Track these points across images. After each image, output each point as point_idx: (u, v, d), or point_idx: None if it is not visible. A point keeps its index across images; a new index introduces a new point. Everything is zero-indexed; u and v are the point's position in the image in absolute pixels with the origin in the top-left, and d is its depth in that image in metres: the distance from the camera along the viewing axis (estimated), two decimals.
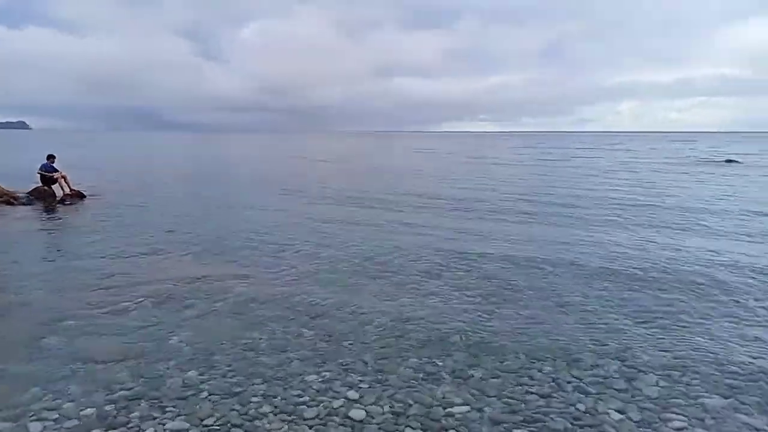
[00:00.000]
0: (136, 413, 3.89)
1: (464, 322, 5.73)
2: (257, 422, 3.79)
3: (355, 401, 4.08)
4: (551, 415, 3.87)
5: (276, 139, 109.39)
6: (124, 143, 76.87)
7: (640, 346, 5.08)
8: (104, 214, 12.96)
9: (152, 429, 3.70)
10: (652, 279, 7.26)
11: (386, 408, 3.97)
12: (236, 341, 5.18)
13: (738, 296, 6.57)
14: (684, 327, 5.57)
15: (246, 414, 3.89)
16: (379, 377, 4.47)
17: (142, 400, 4.06)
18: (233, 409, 3.95)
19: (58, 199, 14.94)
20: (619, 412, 3.92)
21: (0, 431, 3.65)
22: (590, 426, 3.74)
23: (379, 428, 3.72)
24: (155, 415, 3.87)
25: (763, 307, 6.18)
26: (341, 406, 3.99)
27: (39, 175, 15.35)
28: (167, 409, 3.96)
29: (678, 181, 21.38)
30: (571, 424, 3.76)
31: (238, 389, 4.25)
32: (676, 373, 4.55)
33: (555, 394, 4.18)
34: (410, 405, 4.01)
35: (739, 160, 34.40)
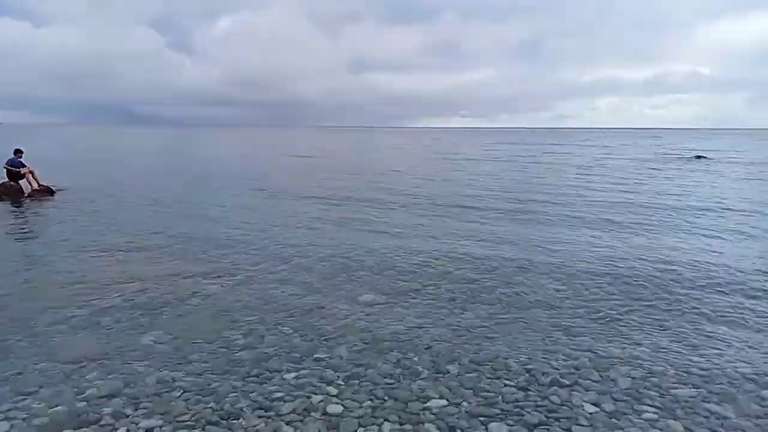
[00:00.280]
0: (109, 410, 3.81)
1: (441, 318, 5.75)
2: (233, 419, 3.75)
3: (333, 396, 4.06)
4: (527, 409, 3.91)
5: (249, 134, 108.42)
6: (93, 137, 75.22)
7: (613, 340, 5.17)
8: (75, 210, 12.66)
9: (125, 427, 3.63)
10: (622, 275, 7.35)
11: (364, 403, 3.97)
12: (212, 339, 5.11)
13: (705, 293, 6.70)
14: (654, 321, 5.67)
15: (222, 410, 3.85)
16: (357, 372, 4.47)
17: (115, 398, 3.99)
18: (208, 407, 3.90)
19: (25, 195, 14.55)
20: (594, 404, 3.98)
21: None
22: (566, 418, 3.78)
23: (358, 423, 3.71)
24: (128, 412, 3.81)
25: (729, 303, 6.32)
26: (319, 402, 3.97)
27: (5, 171, 14.90)
28: (141, 406, 3.89)
29: (647, 178, 21.61)
30: (546, 417, 3.81)
31: (214, 386, 4.20)
32: (647, 364, 4.64)
33: (531, 387, 4.23)
34: (387, 400, 4.01)
35: (708, 156, 35.21)
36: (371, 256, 8.27)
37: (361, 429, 3.64)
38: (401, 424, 3.69)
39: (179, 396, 4.05)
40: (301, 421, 3.73)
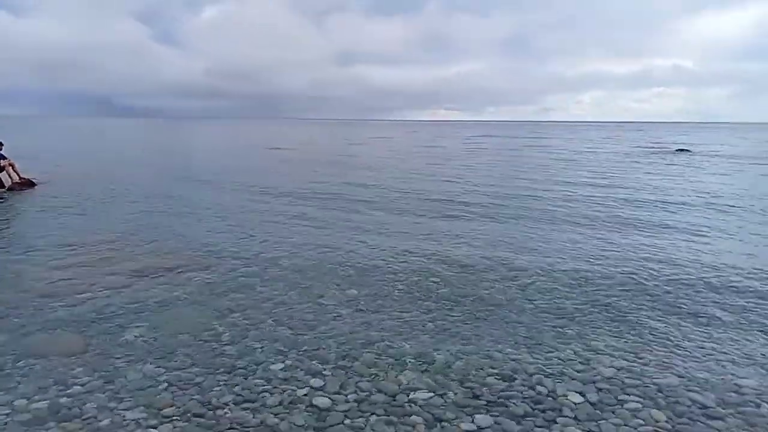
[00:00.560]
0: (92, 404, 3.77)
1: (427, 312, 5.77)
2: (219, 411, 3.72)
3: (319, 389, 4.06)
4: (513, 400, 3.94)
5: (233, 127, 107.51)
6: (75, 130, 74.10)
7: (597, 331, 5.23)
8: (56, 203, 12.47)
9: (109, 420, 3.59)
10: (604, 272, 7.40)
11: (350, 396, 3.97)
12: (197, 332, 5.08)
13: (684, 289, 6.77)
14: (637, 314, 5.73)
15: (207, 403, 3.82)
16: (343, 364, 4.46)
17: (98, 393, 3.94)
18: (193, 399, 3.87)
19: (6, 188, 14.28)
20: (579, 394, 4.02)
21: None
22: (551, 409, 3.82)
23: (344, 415, 3.71)
24: (112, 406, 3.76)
25: (709, 299, 6.42)
26: (305, 395, 3.97)
27: None
28: (124, 400, 3.85)
29: (628, 172, 21.60)
30: (532, 408, 3.84)
31: (199, 379, 4.17)
32: (630, 355, 4.70)
33: (516, 378, 4.26)
34: (374, 392, 4.02)
35: (689, 149, 35.67)
36: (355, 253, 8.20)
37: (348, 421, 3.64)
38: (388, 416, 3.70)
39: (164, 390, 4.02)
40: (288, 413, 3.72)
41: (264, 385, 4.09)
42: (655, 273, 7.13)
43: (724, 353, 4.75)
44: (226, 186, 15.87)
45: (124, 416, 3.64)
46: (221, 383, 4.11)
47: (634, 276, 7.01)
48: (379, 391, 4.04)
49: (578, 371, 4.39)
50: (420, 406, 3.83)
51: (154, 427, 3.53)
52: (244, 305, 5.81)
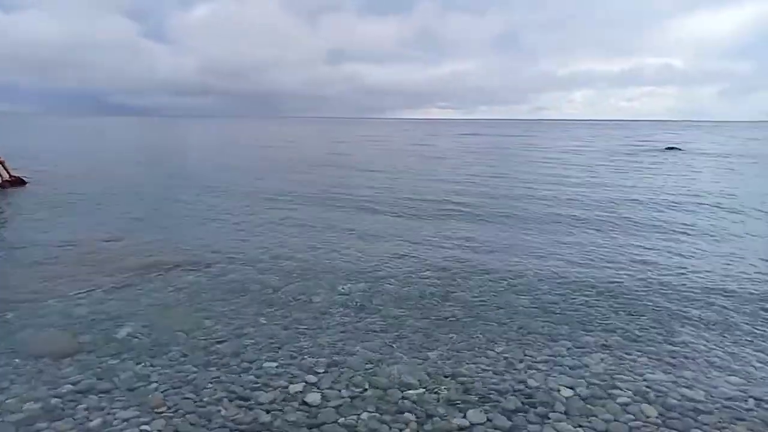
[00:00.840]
0: (84, 405, 3.76)
1: (420, 308, 5.79)
2: (211, 408, 3.73)
3: (312, 385, 4.07)
4: (505, 394, 3.97)
5: (225, 125, 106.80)
6: (66, 128, 73.45)
7: (590, 327, 5.27)
8: (48, 200, 12.39)
9: (101, 419, 3.59)
10: (593, 273, 7.47)
11: (343, 392, 3.98)
12: (190, 330, 5.07)
13: (674, 290, 6.86)
14: (627, 311, 5.79)
15: (200, 401, 3.83)
16: (336, 361, 4.48)
17: (91, 393, 3.92)
18: (186, 397, 3.87)
19: None
20: (569, 388, 4.07)
21: None
22: (542, 404, 3.86)
23: (336, 412, 3.73)
24: (104, 405, 3.76)
25: (699, 300, 6.49)
26: (298, 391, 3.98)
27: None
28: (117, 399, 3.84)
29: (618, 170, 21.52)
30: (523, 403, 3.87)
31: (192, 377, 4.17)
32: (622, 350, 4.75)
33: (508, 374, 4.30)
34: (367, 388, 4.03)
35: (680, 147, 35.92)
36: (347, 253, 8.15)
37: (341, 418, 3.66)
38: (380, 413, 3.72)
39: (156, 388, 4.01)
40: (281, 410, 3.73)
41: (257, 383, 4.09)
42: (643, 273, 7.17)
43: (713, 350, 4.80)
44: (218, 186, 15.76)
45: (116, 415, 3.64)
46: (214, 381, 4.11)
47: (622, 275, 7.06)
48: (372, 387, 4.06)
49: (570, 367, 4.43)
50: (412, 402, 3.85)
51: (147, 425, 3.53)
52: (236, 304, 5.80)
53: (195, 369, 4.31)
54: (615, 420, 3.66)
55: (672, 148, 34.86)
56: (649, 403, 3.86)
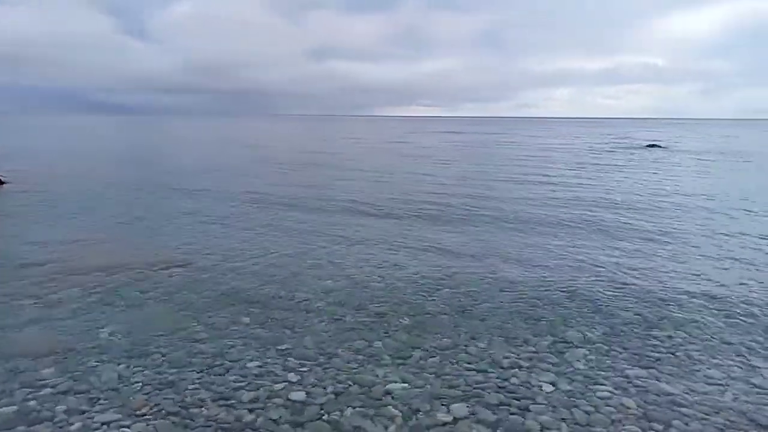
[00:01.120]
0: (63, 407, 3.71)
1: (405, 304, 5.80)
2: (194, 409, 3.70)
3: (296, 383, 4.06)
4: (488, 390, 4.00)
5: (209, 124, 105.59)
6: (41, 127, 72.13)
7: (571, 323, 5.33)
8: (26, 201, 12.20)
9: (80, 423, 3.54)
10: (574, 270, 7.55)
11: (328, 389, 3.98)
12: (171, 330, 5.02)
13: (654, 284, 6.96)
14: (607, 306, 5.86)
15: (182, 402, 3.79)
16: (320, 360, 4.47)
17: (70, 395, 3.87)
18: (168, 398, 3.84)
19: None
20: (551, 384, 4.11)
21: None
22: (524, 398, 3.89)
23: (321, 408, 3.72)
24: (84, 408, 3.71)
25: (678, 300, 6.59)
26: (282, 389, 3.96)
27: None
28: (97, 402, 3.80)
29: (599, 169, 21.54)
30: (506, 397, 3.90)
31: (174, 378, 4.13)
32: (603, 347, 4.81)
33: (491, 369, 4.33)
34: (351, 386, 4.03)
35: (661, 144, 36.39)
36: (331, 252, 8.14)
37: (325, 415, 3.65)
38: (364, 409, 3.72)
39: (138, 390, 3.97)
40: (263, 408, 3.72)
41: (240, 382, 4.07)
42: (623, 272, 7.24)
43: (691, 345, 4.88)
44: (198, 187, 15.58)
45: (95, 419, 3.59)
46: (196, 382, 4.08)
47: (603, 274, 7.14)
48: (356, 384, 4.06)
49: (552, 363, 4.48)
50: (397, 399, 3.86)
51: (128, 428, 3.49)
52: (219, 304, 5.76)
53: (177, 370, 4.27)
54: (596, 412, 3.71)
55: (653, 146, 35.28)
56: (629, 397, 3.92)
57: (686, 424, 3.59)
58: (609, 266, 7.33)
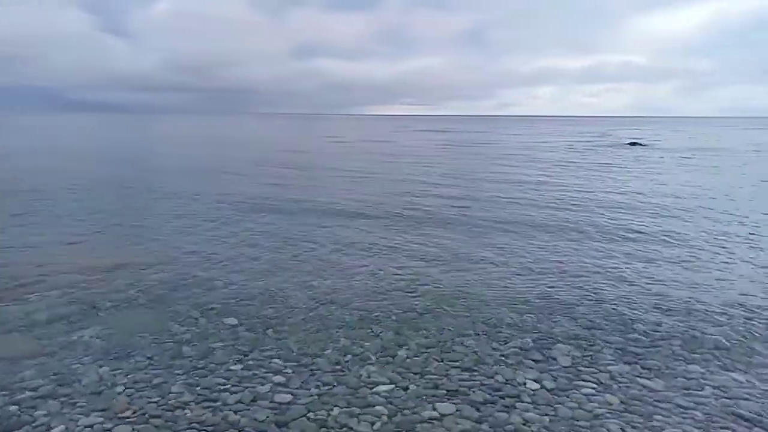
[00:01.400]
0: (43, 411, 3.64)
1: (390, 302, 5.81)
2: (178, 411, 3.66)
3: (281, 385, 4.04)
4: (473, 388, 4.02)
5: (189, 122, 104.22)
6: (19, 126, 70.71)
7: (555, 319, 5.39)
8: (4, 201, 11.92)
9: (63, 426, 3.48)
10: (555, 267, 7.63)
11: (313, 390, 3.97)
12: (154, 332, 4.97)
13: (635, 280, 7.07)
14: (589, 301, 5.94)
15: (165, 404, 3.75)
16: (305, 361, 4.45)
17: (51, 399, 3.81)
18: (152, 401, 3.80)
19: None
20: (536, 381, 4.15)
21: None
22: (509, 396, 3.92)
23: (306, 409, 3.71)
24: (65, 411, 3.65)
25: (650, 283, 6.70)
26: (267, 392, 3.94)
27: None
28: (79, 405, 3.74)
29: (581, 167, 21.67)
30: (491, 395, 3.93)
31: (157, 381, 4.08)
32: (585, 342, 4.87)
33: (477, 367, 4.36)
34: (336, 386, 4.03)
35: (642, 142, 36.92)
36: (316, 250, 8.15)
37: (311, 414, 3.65)
38: (350, 408, 3.72)
39: (121, 392, 3.92)
40: (249, 409, 3.70)
41: (225, 384, 4.04)
42: (605, 269, 7.36)
43: (673, 339, 4.97)
44: (179, 186, 15.45)
45: (78, 422, 3.54)
46: (180, 384, 4.04)
47: (586, 272, 7.23)
48: (341, 384, 4.05)
49: (536, 360, 4.52)
50: (383, 397, 3.87)
51: (111, 431, 3.45)
52: (203, 304, 5.71)
53: (160, 372, 4.23)
54: (579, 408, 3.76)
55: (634, 144, 35.79)
56: (612, 393, 3.97)
57: (667, 418, 3.65)
58: (591, 265, 7.41)
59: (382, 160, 25.19)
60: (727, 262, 7.51)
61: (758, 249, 8.20)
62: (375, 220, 10.47)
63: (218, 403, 3.77)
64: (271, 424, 3.55)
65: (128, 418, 3.59)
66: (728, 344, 4.84)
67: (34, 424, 3.50)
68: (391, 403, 3.79)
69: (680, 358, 4.60)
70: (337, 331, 5.08)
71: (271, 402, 3.80)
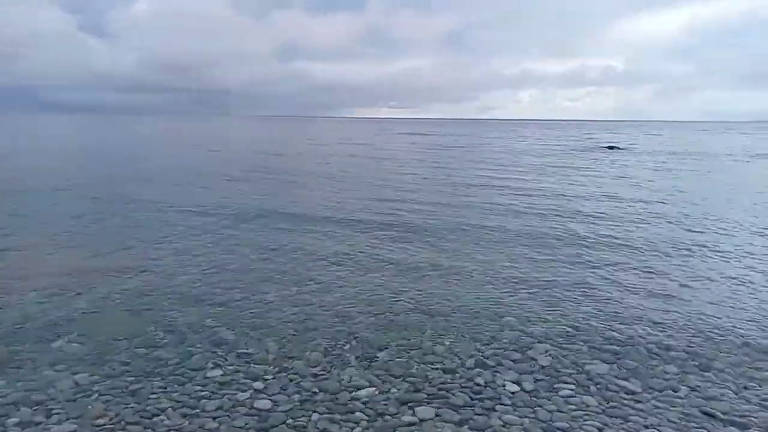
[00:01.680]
0: (15, 420, 3.56)
1: (370, 305, 5.80)
2: (156, 419, 3.61)
3: (260, 391, 4.01)
4: (453, 391, 4.04)
5: (169, 124, 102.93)
6: None
7: (534, 320, 5.43)
8: None
9: None
10: (533, 267, 7.71)
11: (293, 396, 3.94)
12: (132, 337, 4.89)
13: (613, 275, 7.17)
14: (569, 300, 6.01)
15: (143, 411, 3.70)
16: (285, 365, 4.43)
17: (23, 406, 3.73)
18: (129, 407, 3.74)
19: None
20: (515, 383, 4.18)
21: None
22: (489, 399, 3.94)
23: (286, 416, 3.68)
24: (39, 420, 3.58)
25: (635, 284, 6.80)
26: (247, 398, 3.90)
27: None
28: (54, 412, 3.67)
29: (559, 172, 21.80)
30: (471, 398, 3.95)
31: (134, 387, 4.02)
32: (565, 343, 4.92)
33: (457, 370, 4.37)
34: (317, 392, 4.01)
35: (620, 146, 37.46)
36: (298, 252, 8.12)
37: (290, 421, 3.62)
38: (331, 414, 3.71)
39: (96, 399, 3.85)
40: (228, 416, 3.66)
41: (203, 391, 3.99)
42: (583, 271, 7.46)
43: (650, 336, 5.05)
44: (154, 190, 15.29)
45: (52, 430, 3.47)
46: (158, 390, 3.98)
47: (563, 275, 7.32)
48: (322, 390, 4.03)
49: (515, 360, 4.56)
50: (363, 403, 3.86)
51: None
52: (181, 308, 5.64)
53: (137, 378, 4.16)
54: (558, 411, 3.79)
55: (612, 147, 36.28)
56: (591, 395, 4.01)
57: (644, 419, 3.70)
58: (568, 268, 7.48)
59: (361, 164, 25.08)
60: (696, 271, 7.63)
61: (725, 260, 8.30)
62: (351, 226, 10.36)
63: (197, 410, 3.73)
64: (250, 431, 3.52)
65: (105, 425, 3.53)
66: (703, 342, 4.94)
67: None
68: (371, 408, 3.78)
69: (657, 356, 4.68)
70: (317, 335, 5.05)
71: (250, 409, 3.76)
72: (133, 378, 4.16)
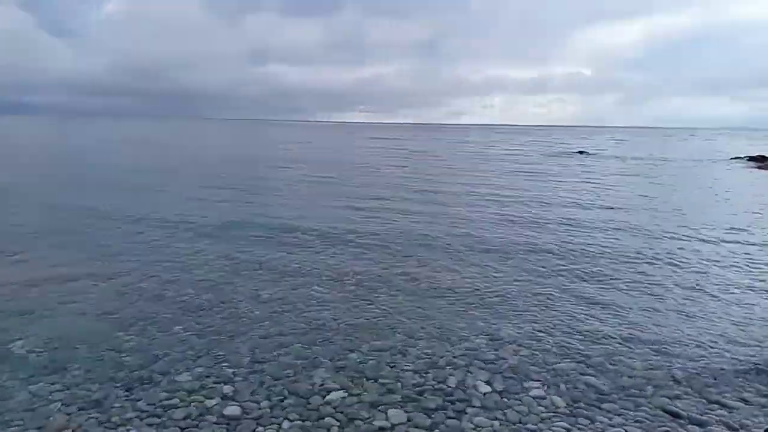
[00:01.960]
0: None
1: (342, 310, 5.76)
2: (120, 429, 3.50)
3: (230, 398, 3.93)
4: (425, 394, 4.03)
5: (135, 127, 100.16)
6: None
7: (504, 321, 5.49)
8: None
9: None
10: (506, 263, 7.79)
11: (263, 402, 3.88)
12: (95, 344, 4.73)
13: (583, 274, 7.31)
14: (535, 305, 6.08)
15: (108, 422, 3.57)
16: (255, 369, 4.36)
17: None
18: (92, 418, 3.61)
19: None
20: (487, 383, 4.20)
21: None
22: (460, 401, 3.95)
23: (256, 423, 3.62)
24: None
25: (607, 283, 6.94)
26: (215, 405, 3.82)
27: None
28: (11, 424, 3.52)
29: (531, 177, 21.95)
30: (444, 401, 3.95)
31: (98, 396, 3.89)
32: (534, 342, 4.98)
33: (429, 371, 4.37)
34: (287, 396, 3.95)
35: (589, 151, 38.25)
36: (269, 255, 8.01)
37: (260, 428, 3.56)
38: (302, 421, 3.65)
39: (57, 409, 3.71)
40: (197, 425, 3.57)
41: (170, 399, 3.88)
42: (550, 275, 7.59)
43: (617, 332, 5.16)
44: (117, 197, 14.86)
45: None
46: (123, 398, 3.86)
47: (530, 278, 7.43)
48: (293, 394, 3.98)
49: (486, 360, 4.59)
50: (334, 407, 3.82)
51: None
52: (146, 313, 5.49)
53: (101, 385, 4.03)
54: (530, 413, 3.82)
55: (582, 153, 37.02)
56: (560, 396, 4.06)
57: (610, 419, 3.77)
58: (536, 271, 7.54)
59: (329, 169, 24.64)
60: (676, 265, 7.85)
61: (683, 269, 8.53)
62: (321, 236, 10.24)
63: (164, 419, 3.63)
64: None
65: None
66: (670, 340, 5.05)
67: None
68: (342, 413, 3.75)
69: (622, 354, 4.77)
70: (287, 337, 4.99)
71: (220, 417, 3.68)
72: (96, 385, 4.03)
